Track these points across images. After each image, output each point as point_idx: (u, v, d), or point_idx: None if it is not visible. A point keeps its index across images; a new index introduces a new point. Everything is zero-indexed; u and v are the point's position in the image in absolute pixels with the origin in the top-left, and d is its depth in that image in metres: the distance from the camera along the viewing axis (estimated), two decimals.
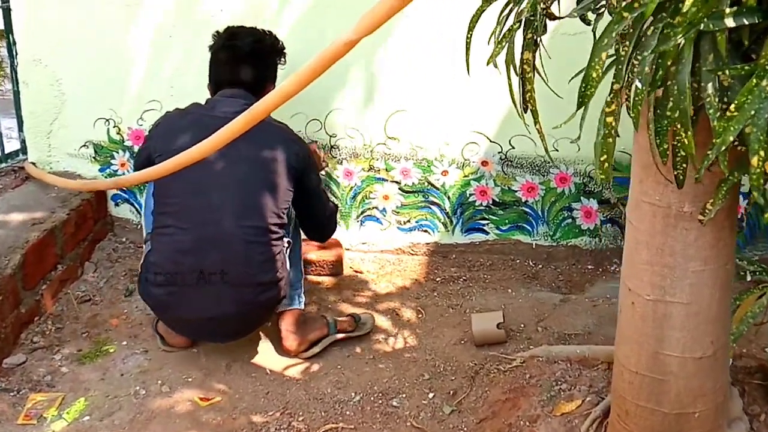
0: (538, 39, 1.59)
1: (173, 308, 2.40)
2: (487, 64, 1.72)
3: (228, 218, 2.35)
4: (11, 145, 3.33)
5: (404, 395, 2.38)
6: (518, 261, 3.20)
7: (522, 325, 2.73)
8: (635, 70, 1.22)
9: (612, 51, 1.25)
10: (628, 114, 1.25)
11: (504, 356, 2.53)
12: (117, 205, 3.26)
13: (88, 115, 3.14)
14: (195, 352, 2.55)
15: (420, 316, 2.82)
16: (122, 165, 3.20)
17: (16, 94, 3.16)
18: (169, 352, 2.55)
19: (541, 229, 3.16)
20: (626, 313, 1.67)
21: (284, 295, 2.47)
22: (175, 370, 2.46)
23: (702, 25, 1.12)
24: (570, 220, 3.15)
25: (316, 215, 2.65)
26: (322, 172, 3.03)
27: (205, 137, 2.36)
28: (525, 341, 2.63)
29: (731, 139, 1.15)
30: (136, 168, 2.56)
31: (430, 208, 3.18)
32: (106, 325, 2.71)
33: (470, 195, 3.14)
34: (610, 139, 1.32)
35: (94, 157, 3.20)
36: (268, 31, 2.66)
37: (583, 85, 1.26)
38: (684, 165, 1.33)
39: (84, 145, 3.19)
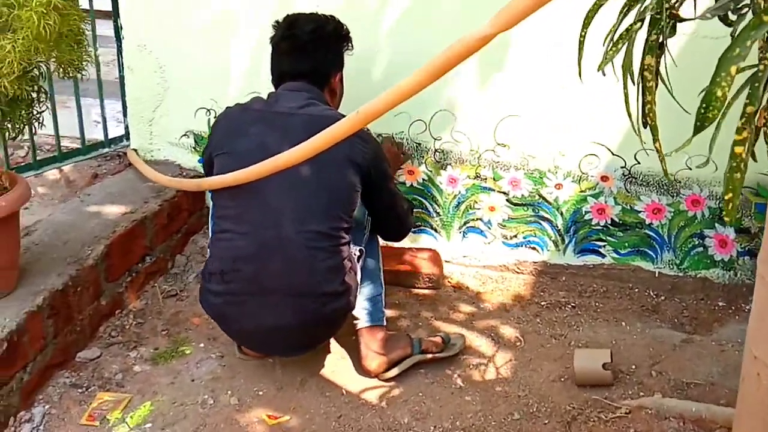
0: (664, 41, 1.31)
1: (233, 319, 2.25)
2: (598, 69, 1.46)
3: (288, 223, 2.15)
4: (116, 131, 3.31)
5: None
6: (637, 290, 2.86)
7: (633, 367, 2.41)
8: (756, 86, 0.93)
9: (748, 63, 0.96)
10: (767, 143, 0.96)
11: (608, 402, 2.23)
12: None
13: (190, 105, 3.06)
14: (271, 363, 2.40)
15: (518, 343, 2.55)
16: None
17: (122, 79, 3.12)
18: (245, 360, 2.41)
19: (666, 257, 2.81)
20: (750, 384, 1.36)
21: (353, 306, 2.27)
22: (247, 381, 2.32)
23: None
24: (701, 249, 2.78)
25: (389, 214, 2.45)
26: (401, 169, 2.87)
27: (271, 134, 2.21)
28: (635, 386, 2.32)
29: None
30: (205, 167, 2.43)
31: (540, 223, 2.89)
32: (187, 324, 2.61)
33: (586, 212, 2.83)
34: (738, 174, 1.04)
35: (194, 147, 3.12)
36: (331, 16, 2.45)
37: (703, 105, 0.98)
38: None
39: (185, 135, 3.11)
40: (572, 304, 2.78)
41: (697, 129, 1.03)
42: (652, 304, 2.79)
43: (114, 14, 3.04)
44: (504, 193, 2.88)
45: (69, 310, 2.33)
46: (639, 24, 1.36)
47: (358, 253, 2.34)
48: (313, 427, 2.15)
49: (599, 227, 2.84)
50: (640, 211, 2.78)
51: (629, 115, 1.48)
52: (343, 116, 2.24)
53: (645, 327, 2.64)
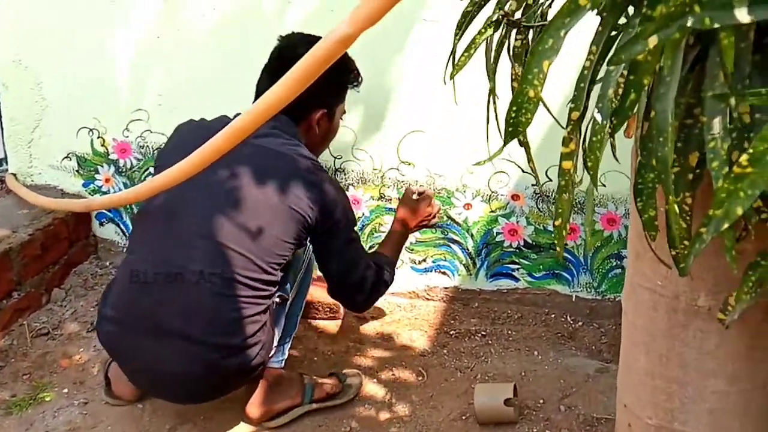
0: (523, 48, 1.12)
1: (125, 353, 2.01)
2: (451, 77, 1.27)
3: (197, 261, 1.91)
4: None
5: None
6: (553, 315, 2.67)
7: (541, 401, 2.21)
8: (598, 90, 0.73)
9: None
10: (584, 163, 0.77)
11: None
12: (102, 225, 2.91)
13: (71, 124, 2.81)
14: (140, 409, 2.15)
15: (420, 378, 2.34)
16: (107, 180, 2.85)
17: None
18: (113, 404, 2.16)
19: (583, 279, 2.62)
20: None
21: (261, 362, 2.00)
22: (108, 431, 2.07)
23: (691, 19, 0.62)
24: (619, 270, 2.60)
25: (339, 281, 2.13)
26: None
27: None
28: (541, 422, 2.13)
29: (740, 211, 0.65)
30: None
31: (449, 246, 2.69)
32: (54, 366, 2.35)
33: (497, 234, 2.64)
34: (566, 195, 0.83)
35: (77, 171, 2.87)
36: None
37: (514, 108, 0.78)
38: (685, 241, 0.82)
39: (67, 157, 2.86)
40: (483, 333, 2.57)
41: (509, 135, 0.83)
42: (568, 330, 2.59)
43: None
44: None
45: None
46: (490, 29, 1.17)
47: (278, 300, 2.09)
48: None
49: (512, 249, 2.65)
50: (554, 232, 2.59)
51: (498, 128, 1.28)
52: (302, 155, 2.01)
53: (558, 356, 2.44)
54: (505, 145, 0.88)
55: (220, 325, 1.91)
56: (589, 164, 0.78)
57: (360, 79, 2.22)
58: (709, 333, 0.98)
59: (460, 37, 1.17)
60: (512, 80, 1.20)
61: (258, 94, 2.14)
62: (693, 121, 0.76)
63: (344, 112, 2.25)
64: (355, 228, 2.14)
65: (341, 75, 2.16)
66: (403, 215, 2.35)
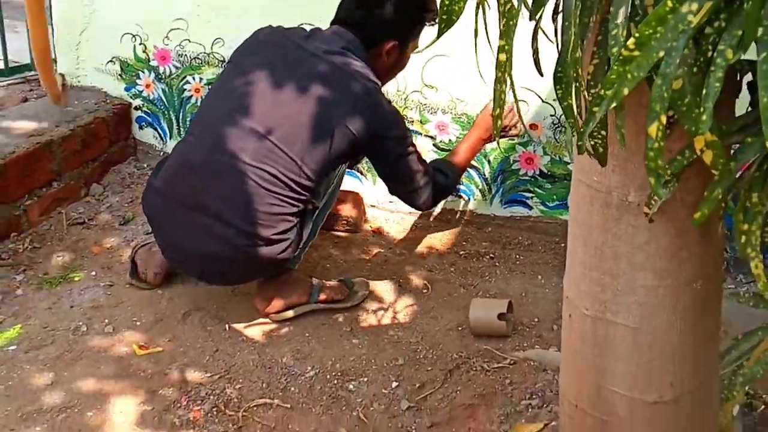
0: None
1: (163, 225, 2.17)
2: None
3: (249, 155, 2.04)
4: None
5: (366, 379, 2.04)
6: (563, 245, 2.71)
7: (536, 320, 2.31)
8: None
9: None
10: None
11: (497, 353, 2.14)
12: (141, 128, 3.07)
13: (116, 29, 2.95)
14: (159, 294, 2.32)
15: (425, 291, 2.45)
16: (147, 86, 3.00)
17: (49, 1, 3.01)
18: (135, 287, 2.33)
19: None
20: (565, 329, 1.26)
21: (285, 258, 2.14)
22: (128, 311, 2.24)
23: None
24: None
25: (398, 191, 2.29)
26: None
27: (280, 65, 2.09)
28: (533, 339, 2.22)
29: (626, 91, 0.73)
30: None
31: (467, 171, 2.76)
32: (86, 252, 2.53)
33: (514, 162, 2.71)
34: (498, 86, 0.91)
35: (120, 75, 3.02)
36: None
37: None
38: (604, 131, 0.90)
39: (111, 61, 3.01)
40: (491, 255, 2.67)
41: (444, 24, 0.92)
42: None
43: None
44: (431, 137, 2.75)
45: None
46: None
47: (310, 207, 2.21)
48: (185, 360, 2.07)
49: (527, 178, 2.72)
50: (569, 163, 2.65)
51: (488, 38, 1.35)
52: (365, 77, 2.11)
53: (561, 282, 2.48)
54: (440, 34, 0.96)
55: (256, 215, 2.05)
56: (507, 49, 0.86)
57: (437, 19, 2.27)
58: (639, 228, 1.05)
59: None
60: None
61: (337, 15, 2.23)
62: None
63: (416, 48, 2.31)
64: (411, 143, 2.23)
65: (420, 12, 2.23)
66: (482, 122, 2.45)
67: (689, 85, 0.76)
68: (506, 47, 0.85)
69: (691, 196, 1.02)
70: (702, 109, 0.71)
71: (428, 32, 2.27)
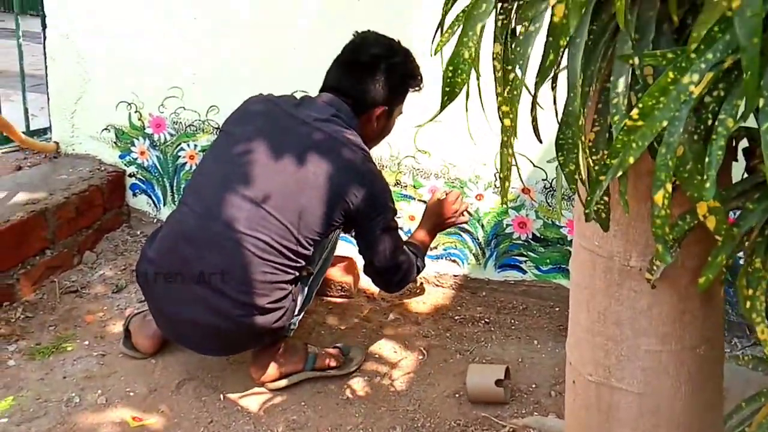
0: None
1: (156, 295, 2.14)
2: (435, 52, 1.35)
3: (243, 223, 2.03)
4: (43, 122, 3.24)
5: None
6: (557, 309, 2.73)
7: (533, 386, 2.29)
8: (517, 49, 0.83)
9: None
10: (498, 115, 0.86)
11: (496, 420, 2.11)
12: (135, 195, 3.08)
13: (111, 98, 2.99)
14: (152, 363, 2.29)
15: (421, 358, 2.43)
16: (142, 153, 3.02)
17: (45, 69, 3.05)
18: (128, 356, 2.30)
19: None
20: (569, 395, 1.25)
21: (280, 326, 2.12)
22: (121, 381, 2.21)
23: None
24: None
25: (378, 264, 2.24)
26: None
27: (273, 133, 2.12)
28: (531, 405, 2.20)
29: (632, 160, 0.74)
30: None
31: (460, 235, 2.78)
32: (79, 321, 2.51)
33: (507, 226, 2.72)
34: (506, 150, 0.93)
35: (115, 142, 3.04)
36: (405, 50, 2.27)
37: (450, 69, 0.88)
38: (606, 197, 0.91)
39: (106, 129, 3.04)
40: (486, 320, 2.66)
41: (447, 96, 0.92)
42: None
43: (40, 2, 2.98)
44: (424, 201, 2.77)
45: None
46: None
47: (305, 273, 2.20)
48: (179, 431, 2.04)
49: (520, 242, 2.73)
50: (561, 227, 2.67)
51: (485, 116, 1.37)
52: (354, 144, 2.13)
53: (557, 346, 2.51)
54: (443, 107, 0.97)
55: (251, 284, 2.04)
56: (511, 116, 0.87)
57: (422, 85, 2.32)
58: (642, 293, 1.06)
59: (447, 11, 1.26)
60: (493, 59, 1.28)
61: (324, 82, 2.26)
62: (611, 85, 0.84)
63: (401, 113, 2.36)
64: (395, 217, 2.25)
65: (407, 79, 2.28)
66: (432, 211, 2.49)
67: (690, 153, 0.77)
68: (511, 115, 0.87)
69: (693, 261, 1.03)
70: (705, 177, 0.72)
71: (412, 97, 2.32)
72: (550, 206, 2.65)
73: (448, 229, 2.76)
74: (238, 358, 2.31)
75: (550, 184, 2.62)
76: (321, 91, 2.27)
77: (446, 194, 2.50)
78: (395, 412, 2.16)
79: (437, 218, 2.49)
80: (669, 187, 0.73)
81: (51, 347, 2.35)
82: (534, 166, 2.62)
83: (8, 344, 2.34)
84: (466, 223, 2.60)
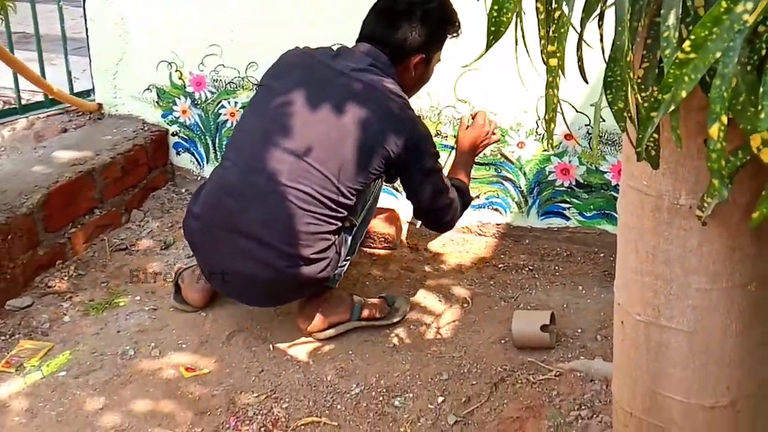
0: None
1: (204, 249, 2.20)
2: None
3: (285, 175, 2.06)
4: (82, 84, 3.28)
5: (411, 395, 2.05)
6: (602, 255, 2.72)
7: (579, 330, 2.29)
8: None
9: None
10: (542, 58, 0.85)
11: (542, 365, 2.13)
12: (178, 153, 3.12)
13: (151, 58, 3.00)
14: (202, 316, 2.35)
15: (465, 305, 2.45)
16: (184, 112, 3.04)
17: (87, 31, 3.08)
18: (179, 310, 2.36)
19: None
20: (617, 336, 1.25)
21: (325, 277, 2.16)
22: (173, 334, 2.27)
23: None
24: None
25: (427, 207, 2.27)
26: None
27: (311, 84, 2.13)
28: (577, 349, 2.21)
29: (684, 94, 0.73)
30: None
31: (502, 184, 2.77)
32: (130, 277, 2.57)
33: (550, 173, 2.70)
34: (551, 90, 0.92)
35: (157, 102, 3.07)
36: None
37: (495, 8, 0.87)
38: (656, 134, 0.90)
39: (147, 89, 3.06)
40: (530, 267, 2.66)
41: (492, 35, 0.92)
42: (614, 269, 2.64)
43: None
44: None
45: None
46: None
47: (348, 224, 2.22)
48: (231, 381, 2.09)
49: (563, 188, 2.71)
50: (605, 172, 2.64)
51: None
52: (395, 93, 2.13)
53: (602, 292, 2.50)
54: (489, 46, 0.97)
55: (294, 235, 2.07)
56: (558, 55, 0.87)
57: (461, 31, 2.30)
58: (691, 231, 1.05)
59: None
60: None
61: (361, 31, 2.25)
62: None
63: (439, 60, 2.33)
64: (439, 159, 2.26)
65: (444, 25, 2.26)
66: (464, 139, 2.47)
67: (743, 84, 0.76)
68: (558, 53, 0.86)
69: (744, 197, 1.02)
70: (759, 108, 0.71)
71: (450, 44, 2.30)
72: (593, 151, 2.62)
73: (490, 179, 2.76)
74: (285, 309, 2.35)
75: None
76: (357, 41, 2.26)
77: (472, 117, 2.49)
78: (441, 358, 2.19)
79: (471, 144, 2.48)
80: (724, 119, 0.72)
81: (104, 303, 2.41)
82: (577, 111, 2.58)
83: (63, 301, 2.41)
84: (498, 141, 2.60)
